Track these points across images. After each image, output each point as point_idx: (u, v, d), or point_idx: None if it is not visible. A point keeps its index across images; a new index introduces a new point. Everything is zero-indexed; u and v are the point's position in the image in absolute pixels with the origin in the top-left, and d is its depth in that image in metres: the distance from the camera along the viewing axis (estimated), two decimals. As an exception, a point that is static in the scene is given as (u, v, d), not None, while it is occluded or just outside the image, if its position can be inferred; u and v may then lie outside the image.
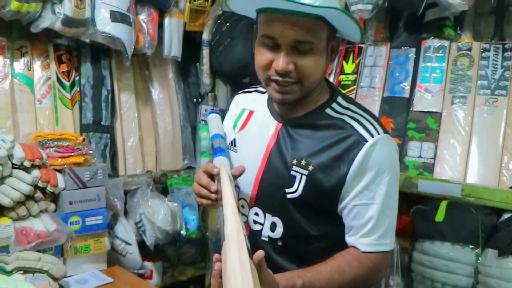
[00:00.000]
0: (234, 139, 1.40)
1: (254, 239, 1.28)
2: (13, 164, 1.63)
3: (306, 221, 1.25)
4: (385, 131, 1.23)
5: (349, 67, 2.20)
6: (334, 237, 1.25)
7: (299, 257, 1.27)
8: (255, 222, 1.31)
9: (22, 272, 1.53)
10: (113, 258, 1.99)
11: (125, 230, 2.01)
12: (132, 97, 2.24)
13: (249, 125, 1.38)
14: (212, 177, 1.24)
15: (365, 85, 2.13)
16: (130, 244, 2.00)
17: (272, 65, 1.17)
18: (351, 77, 2.18)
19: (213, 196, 1.21)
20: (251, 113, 1.40)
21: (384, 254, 1.21)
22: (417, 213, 1.97)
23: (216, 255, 1.00)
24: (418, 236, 1.93)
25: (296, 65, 1.15)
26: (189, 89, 2.46)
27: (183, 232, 2.19)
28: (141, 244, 2.16)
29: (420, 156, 1.99)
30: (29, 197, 1.65)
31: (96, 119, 2.08)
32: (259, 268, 0.96)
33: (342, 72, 2.22)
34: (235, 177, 1.23)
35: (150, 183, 2.20)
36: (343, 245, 1.24)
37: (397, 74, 2.07)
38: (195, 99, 2.47)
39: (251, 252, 0.98)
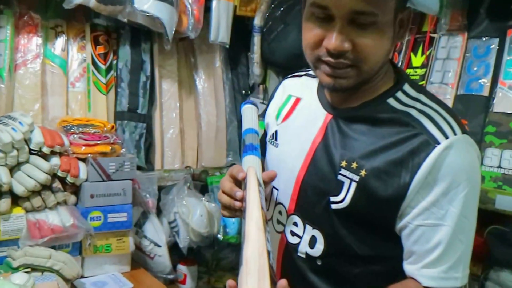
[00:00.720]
0: (276, 131, 1.18)
1: (289, 255, 1.09)
2: (30, 149, 1.48)
3: (353, 239, 1.01)
4: (464, 131, 0.96)
5: (417, 59, 1.92)
6: (388, 261, 1.01)
7: (342, 281, 1.04)
8: (293, 233, 1.09)
9: (29, 269, 1.37)
10: (140, 260, 1.81)
11: (155, 230, 1.82)
12: (175, 85, 2.06)
13: (294, 115, 1.16)
14: (239, 182, 1.03)
15: (436, 80, 1.84)
16: (159, 246, 1.81)
17: (323, 43, 0.93)
18: (420, 71, 1.90)
19: (237, 204, 1.00)
20: (297, 100, 1.17)
21: None
22: (494, 234, 1.66)
23: (230, 282, 0.82)
24: (494, 263, 1.62)
25: (354, 43, 0.91)
26: (238, 80, 2.25)
27: (220, 236, 1.98)
28: (175, 246, 1.98)
29: (499, 166, 1.68)
30: (45, 187, 1.50)
31: (132, 106, 1.92)
32: None
33: (409, 65, 1.94)
34: (265, 183, 1.01)
35: (188, 179, 2.00)
36: (399, 273, 0.99)
37: (475, 69, 1.77)
38: (243, 91, 2.25)
39: (275, 282, 0.77)
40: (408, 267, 0.97)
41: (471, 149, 0.95)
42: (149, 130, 1.96)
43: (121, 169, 1.62)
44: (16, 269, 1.36)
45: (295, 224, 1.08)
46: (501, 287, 1.59)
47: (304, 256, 1.06)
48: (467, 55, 1.81)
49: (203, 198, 1.98)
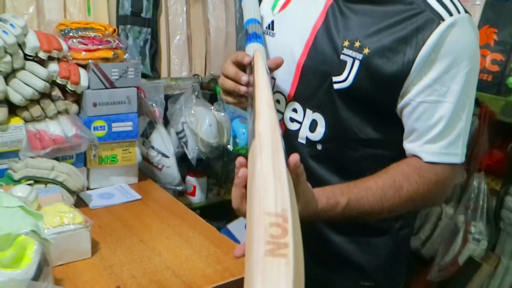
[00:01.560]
0: (272, 21, 1.13)
1: (289, 141, 1.06)
2: (26, 55, 1.37)
3: (355, 121, 1.00)
4: (466, 11, 0.93)
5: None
6: (389, 144, 1.01)
7: (342, 166, 1.04)
8: (292, 120, 1.08)
9: (32, 182, 1.31)
10: (148, 171, 1.76)
11: (162, 140, 1.75)
12: (181, -12, 1.91)
13: (291, 4, 1.10)
14: (243, 68, 1.00)
15: (466, -18, 1.69)
16: (167, 157, 1.75)
17: None
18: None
19: (243, 89, 0.97)
20: None
21: (453, 168, 0.96)
22: (518, 149, 1.57)
23: (240, 159, 0.77)
24: (517, 178, 1.55)
25: None
26: (248, -19, 2.08)
27: (230, 147, 1.91)
28: (184, 158, 1.92)
29: (530, 78, 1.58)
30: (44, 95, 1.40)
31: (136, 10, 1.78)
32: (296, 178, 0.76)
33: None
34: (270, 70, 0.97)
35: (196, 88, 1.91)
36: (400, 156, 0.99)
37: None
38: (255, -6, 2.09)
39: (287, 158, 0.74)
40: (410, 145, 0.97)
41: (473, 29, 0.93)
42: (154, 36, 1.85)
43: (125, 76, 1.51)
44: (18, 182, 1.31)
45: (295, 110, 1.07)
46: (524, 203, 1.53)
47: (304, 141, 1.06)
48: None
49: (212, 107, 1.89)
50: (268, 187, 0.64)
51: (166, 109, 1.87)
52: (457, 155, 0.95)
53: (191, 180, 2.02)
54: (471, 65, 0.92)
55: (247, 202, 0.71)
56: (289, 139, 1.07)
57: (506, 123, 1.66)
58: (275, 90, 1.10)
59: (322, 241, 1.10)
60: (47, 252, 0.86)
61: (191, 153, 1.86)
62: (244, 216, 0.76)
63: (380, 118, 0.99)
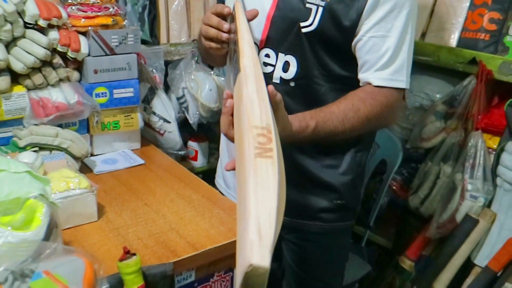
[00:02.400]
0: None
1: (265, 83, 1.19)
2: (25, 23, 1.38)
3: (321, 60, 1.19)
4: None
5: None
6: (351, 80, 1.20)
7: (311, 100, 1.22)
8: (266, 64, 1.25)
9: (36, 148, 1.34)
10: (150, 137, 1.79)
11: (163, 105, 1.77)
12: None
13: None
14: (224, 18, 1.15)
15: None
16: (168, 122, 1.78)
17: None
18: None
19: (224, 35, 1.12)
20: None
21: (399, 92, 1.17)
22: (515, 107, 1.59)
23: (227, 92, 0.96)
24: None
25: None
26: None
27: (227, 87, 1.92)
28: (185, 123, 1.94)
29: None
30: (46, 63, 1.42)
31: (133, -26, 1.77)
32: (275, 105, 0.92)
33: None
34: (248, 20, 1.12)
35: (196, 53, 1.91)
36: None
37: None
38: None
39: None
40: (362, 75, 1.17)
41: None
42: (153, 1, 1.84)
43: (125, 42, 1.52)
44: (23, 149, 1.33)
45: (267, 55, 1.24)
46: (519, 160, 1.55)
47: (278, 81, 1.23)
48: None
49: (212, 72, 1.90)
50: (255, 106, 0.78)
51: (166, 75, 1.88)
52: (402, 81, 1.16)
53: (192, 145, 2.04)
54: (411, 7, 1.13)
55: (235, 122, 0.88)
56: (265, 80, 1.17)
57: (503, 82, 1.68)
58: None
59: (296, 166, 1.28)
60: (56, 215, 0.90)
61: (192, 118, 1.88)
62: (231, 140, 0.94)
63: (343, 56, 1.18)
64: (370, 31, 1.13)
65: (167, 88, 1.90)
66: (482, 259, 1.75)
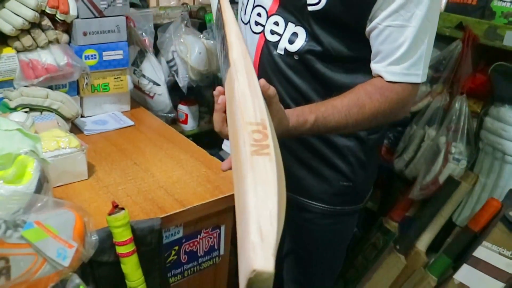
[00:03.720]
0: None
1: (268, 51, 1.19)
2: (13, -16, 1.38)
3: (327, 39, 1.10)
4: None
5: None
6: (358, 61, 1.11)
7: (315, 76, 1.15)
8: (273, 32, 1.17)
9: (27, 109, 1.36)
10: (140, 99, 1.81)
11: (153, 68, 1.79)
12: None
13: None
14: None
15: None
16: (158, 85, 1.80)
17: None
18: None
19: None
20: None
21: (413, 86, 1.05)
22: (498, 71, 1.62)
23: (218, 88, 0.92)
24: (495, 99, 1.61)
25: None
26: None
27: (220, 74, 1.94)
28: (175, 87, 1.96)
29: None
30: (34, 25, 1.42)
31: None
32: (268, 99, 0.87)
33: None
34: None
35: (185, 17, 1.91)
36: (366, 71, 1.09)
37: None
38: None
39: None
40: (375, 66, 1.06)
41: None
42: (141, -37, 1.83)
43: (113, 5, 1.53)
44: (14, 110, 1.35)
45: (276, 23, 1.15)
46: (500, 122, 1.59)
47: (282, 52, 1.15)
48: None
49: (201, 36, 1.90)
50: (247, 101, 0.75)
51: (156, 38, 1.89)
52: (418, 75, 1.04)
53: (183, 108, 2.07)
54: None
55: (228, 119, 0.83)
56: (268, 49, 1.18)
57: (489, 47, 1.70)
58: (257, 3, 1.19)
59: (304, 144, 1.23)
60: (46, 170, 0.93)
61: (182, 81, 1.90)
62: (226, 137, 0.88)
63: (351, 38, 1.08)
64: (387, 20, 1.00)
65: (157, 52, 1.91)
66: (463, 220, 1.81)
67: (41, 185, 0.87)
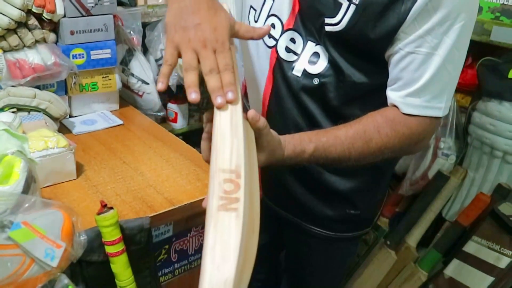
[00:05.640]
0: None
1: (281, 71, 1.06)
2: (-1, -17, 1.37)
3: (346, 64, 0.98)
4: None
5: None
6: (378, 89, 0.99)
7: (331, 106, 1.04)
8: (289, 50, 1.04)
9: (14, 109, 1.35)
10: (129, 99, 1.80)
11: (141, 67, 1.78)
12: None
13: None
14: None
15: None
16: (147, 83, 1.79)
17: None
18: None
19: None
20: None
21: (432, 121, 0.94)
22: (486, 66, 1.63)
23: (207, 114, 0.82)
24: (483, 94, 1.62)
25: None
26: None
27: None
28: (164, 85, 1.95)
29: (499, -4, 1.61)
30: (21, 25, 1.41)
31: None
32: (257, 131, 0.80)
33: None
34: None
35: (173, 15, 1.91)
36: (385, 103, 0.97)
37: None
38: None
39: (246, 110, 0.77)
40: (392, 94, 0.95)
41: None
42: (128, -39, 1.82)
43: (101, 3, 1.52)
44: (1, 110, 1.34)
45: (293, 40, 1.03)
46: (488, 116, 1.60)
47: (300, 74, 1.04)
48: None
49: (190, 34, 1.90)
50: (226, 143, 0.69)
51: (144, 36, 1.88)
52: (440, 109, 0.93)
53: (172, 107, 2.06)
54: (467, 19, 0.87)
55: (210, 155, 0.74)
56: (283, 69, 1.06)
57: (476, 42, 1.70)
58: (271, 12, 1.07)
59: (312, 172, 1.14)
60: (34, 171, 0.92)
61: (171, 80, 1.89)
62: None
63: (369, 63, 0.98)
64: (410, 45, 0.89)
65: (145, 50, 1.90)
66: (452, 215, 1.82)
67: (29, 185, 0.86)
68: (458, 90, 1.79)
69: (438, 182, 1.77)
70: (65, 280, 0.82)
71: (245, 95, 0.79)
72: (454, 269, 1.69)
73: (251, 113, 0.77)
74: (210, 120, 0.80)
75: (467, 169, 1.77)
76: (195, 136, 2.01)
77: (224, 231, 0.58)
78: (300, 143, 0.89)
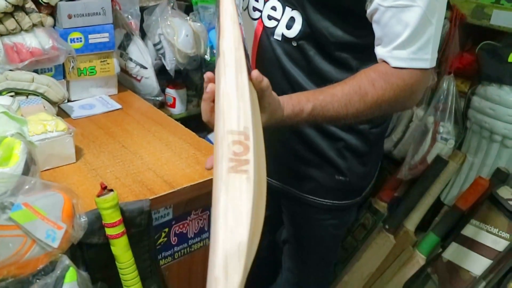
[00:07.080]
0: None
1: (265, 39, 1.15)
2: (-5, -35, 1.36)
3: (324, 23, 1.03)
4: None
5: None
6: (360, 48, 1.04)
7: (312, 67, 1.10)
8: (270, 18, 1.12)
9: (12, 93, 1.35)
10: (127, 83, 1.79)
11: (140, 51, 1.77)
12: None
13: None
14: None
15: None
16: (145, 68, 1.78)
17: None
18: None
19: None
20: None
21: (422, 72, 0.95)
22: (486, 50, 1.62)
23: (208, 74, 0.82)
24: (483, 79, 1.61)
25: None
26: None
27: (207, 57, 1.93)
28: (162, 71, 1.94)
29: (500, -22, 1.60)
30: (18, 8, 1.40)
31: None
32: (260, 92, 0.81)
33: None
34: None
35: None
36: (370, 61, 0.99)
37: None
38: None
39: (250, 72, 0.77)
40: (379, 50, 0.97)
41: None
42: None
43: (98, -13, 1.51)
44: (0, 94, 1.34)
45: (274, 8, 1.11)
46: (487, 101, 1.60)
47: (280, 38, 1.11)
48: None
49: (188, 18, 1.89)
50: (232, 105, 0.68)
51: (142, 21, 1.87)
52: (426, 60, 0.94)
53: (170, 92, 2.05)
54: None
55: (215, 118, 0.74)
56: (266, 35, 1.13)
57: (476, 26, 1.70)
58: None
59: (298, 136, 1.19)
60: (33, 153, 0.92)
61: (169, 64, 1.88)
62: (213, 127, 0.80)
63: (349, 21, 1.01)
64: (388, 0, 0.91)
65: (143, 35, 1.89)
66: (451, 199, 1.82)
67: (28, 167, 0.86)
68: (457, 74, 1.79)
69: (437, 166, 1.77)
70: (66, 261, 0.82)
71: (246, 57, 0.78)
72: (453, 252, 1.70)
73: (255, 73, 0.77)
74: (212, 79, 0.80)
75: (466, 154, 1.77)
76: (194, 122, 2.00)
77: (235, 194, 0.57)
78: (298, 103, 0.91)
